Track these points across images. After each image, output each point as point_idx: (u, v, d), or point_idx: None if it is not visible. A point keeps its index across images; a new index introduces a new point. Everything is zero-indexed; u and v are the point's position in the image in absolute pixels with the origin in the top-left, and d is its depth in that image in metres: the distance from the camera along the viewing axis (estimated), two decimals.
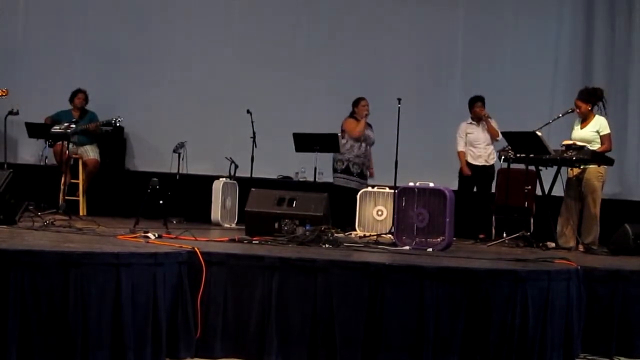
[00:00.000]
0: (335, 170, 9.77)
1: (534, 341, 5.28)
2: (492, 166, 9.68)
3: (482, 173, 9.65)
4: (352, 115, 9.79)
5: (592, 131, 8.21)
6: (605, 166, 8.17)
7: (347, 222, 9.17)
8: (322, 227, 6.73)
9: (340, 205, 8.95)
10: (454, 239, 7.29)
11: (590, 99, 8.26)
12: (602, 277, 5.92)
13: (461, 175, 9.70)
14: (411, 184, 7.07)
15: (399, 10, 11.34)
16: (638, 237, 7.73)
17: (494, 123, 9.58)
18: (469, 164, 9.68)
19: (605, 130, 8.21)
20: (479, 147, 9.66)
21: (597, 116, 8.28)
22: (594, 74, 10.87)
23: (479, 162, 9.66)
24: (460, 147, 9.72)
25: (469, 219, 9.22)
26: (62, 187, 9.46)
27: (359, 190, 9.51)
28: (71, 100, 10.30)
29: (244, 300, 5.21)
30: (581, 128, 8.32)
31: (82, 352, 4.55)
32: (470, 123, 9.68)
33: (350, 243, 7.16)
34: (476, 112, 9.62)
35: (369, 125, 9.81)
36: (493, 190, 9.78)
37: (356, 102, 9.79)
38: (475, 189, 9.69)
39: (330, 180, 9.85)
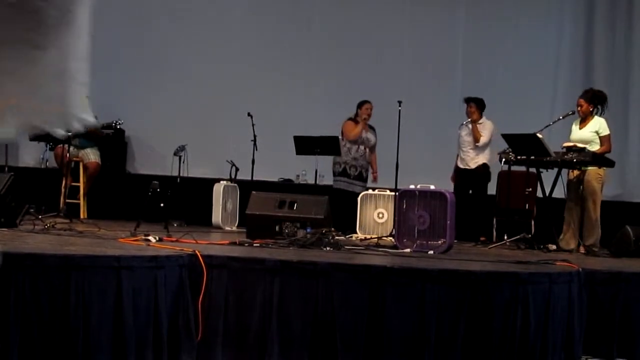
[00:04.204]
0: (334, 174, 9.79)
1: (536, 343, 5.28)
2: (476, 170, 9.62)
3: (468, 176, 9.64)
4: (355, 117, 9.81)
5: (591, 131, 8.22)
6: (605, 168, 8.17)
7: (349, 225, 9.15)
8: (323, 230, 6.73)
9: (341, 209, 8.95)
10: (455, 241, 7.29)
11: (594, 100, 8.27)
12: (604, 279, 5.92)
13: (455, 177, 9.76)
14: (412, 186, 7.07)
15: (400, 13, 11.36)
16: (639, 239, 7.73)
17: (487, 126, 9.58)
18: (457, 167, 9.77)
19: (605, 131, 8.21)
20: (464, 150, 9.71)
21: (596, 117, 8.28)
22: (594, 76, 10.87)
23: (462, 165, 9.71)
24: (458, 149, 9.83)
25: (470, 221, 9.21)
26: (63, 190, 9.46)
27: (359, 194, 9.53)
28: None
29: (245, 303, 5.20)
30: (580, 128, 8.32)
31: (83, 355, 4.54)
32: (465, 124, 9.71)
33: (351, 246, 7.17)
34: (467, 112, 9.67)
35: (371, 128, 9.82)
36: (489, 192, 9.77)
37: (360, 105, 9.81)
38: (470, 192, 9.69)
39: (331, 183, 9.86)
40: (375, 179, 9.93)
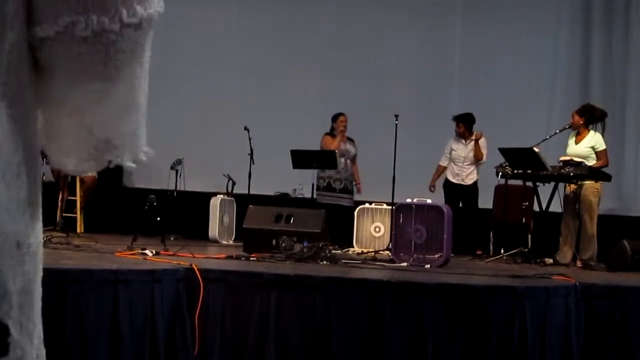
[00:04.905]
0: (317, 188, 9.73)
1: (533, 357, 5.27)
2: (471, 186, 9.65)
3: (460, 191, 9.65)
4: (331, 131, 9.82)
5: (587, 147, 8.24)
6: (601, 182, 8.19)
7: (342, 239, 9.12)
8: (320, 244, 6.73)
9: (329, 223, 8.92)
10: (452, 255, 7.29)
11: (585, 115, 8.29)
12: (601, 293, 5.91)
13: (445, 191, 9.74)
14: (409, 200, 7.07)
15: (397, 26, 11.38)
16: (636, 253, 7.73)
17: (484, 143, 9.59)
18: (448, 181, 9.74)
19: (602, 146, 8.23)
20: (459, 165, 9.70)
21: (591, 132, 8.30)
22: (591, 89, 10.90)
23: (457, 180, 9.71)
24: (441, 162, 9.86)
25: (467, 235, 9.21)
26: (59, 204, 9.44)
27: (347, 207, 9.52)
28: None
29: (241, 317, 5.20)
30: (576, 143, 8.34)
31: None
32: (457, 139, 9.71)
33: (347, 260, 7.16)
34: (457, 132, 9.67)
35: (349, 140, 9.84)
36: (481, 206, 9.77)
37: (334, 118, 9.82)
38: (461, 205, 9.68)
39: None
40: (359, 191, 9.91)
